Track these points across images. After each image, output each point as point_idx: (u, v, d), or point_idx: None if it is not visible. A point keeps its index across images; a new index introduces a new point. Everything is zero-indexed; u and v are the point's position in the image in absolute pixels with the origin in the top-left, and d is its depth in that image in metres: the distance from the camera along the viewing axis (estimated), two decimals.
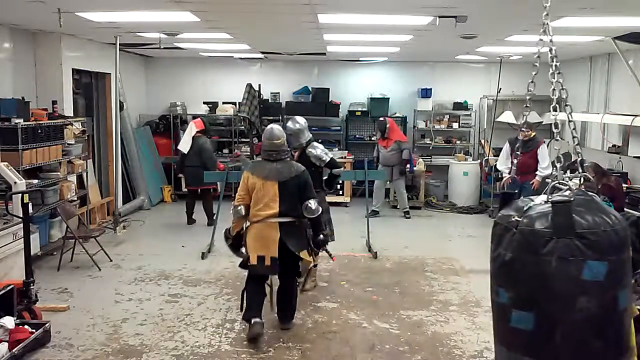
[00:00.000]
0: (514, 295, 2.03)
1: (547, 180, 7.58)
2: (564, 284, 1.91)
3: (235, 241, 4.99)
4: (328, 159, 5.99)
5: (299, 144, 5.90)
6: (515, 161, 7.20)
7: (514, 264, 2.01)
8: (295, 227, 4.82)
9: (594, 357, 1.94)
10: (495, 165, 9.64)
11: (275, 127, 4.94)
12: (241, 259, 4.97)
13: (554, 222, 1.93)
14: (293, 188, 4.79)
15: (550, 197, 2.00)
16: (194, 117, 11.41)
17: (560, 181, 2.06)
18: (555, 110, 2.36)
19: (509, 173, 7.71)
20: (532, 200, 2.06)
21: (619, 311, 1.94)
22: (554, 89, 2.37)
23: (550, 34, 2.42)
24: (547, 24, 2.43)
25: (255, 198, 4.76)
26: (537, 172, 7.79)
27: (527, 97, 2.73)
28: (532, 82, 2.57)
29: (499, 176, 9.60)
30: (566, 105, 2.45)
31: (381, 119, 9.73)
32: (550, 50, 2.41)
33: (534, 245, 1.95)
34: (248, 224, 4.87)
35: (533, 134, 7.92)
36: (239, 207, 4.82)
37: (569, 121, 2.40)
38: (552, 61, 2.43)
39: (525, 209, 2.03)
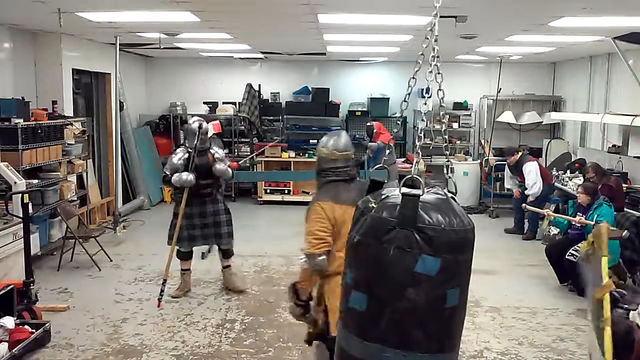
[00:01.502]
0: (354, 276, 2.14)
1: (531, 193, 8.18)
2: (397, 273, 1.99)
3: (306, 304, 3.48)
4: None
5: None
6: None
7: (359, 247, 2.12)
8: None
9: (414, 347, 2.02)
10: (495, 165, 9.77)
11: (344, 134, 3.59)
12: (308, 331, 3.55)
13: (400, 213, 2.01)
14: None
15: (403, 189, 2.08)
16: (196, 116, 11.47)
17: (415, 176, 2.14)
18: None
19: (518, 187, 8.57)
20: (393, 191, 2.15)
21: (446, 308, 2.03)
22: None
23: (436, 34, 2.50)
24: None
25: (345, 236, 3.22)
26: (528, 194, 8.22)
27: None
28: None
29: (499, 176, 9.80)
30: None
31: (369, 123, 9.72)
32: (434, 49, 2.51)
33: (377, 232, 2.04)
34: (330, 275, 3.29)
35: (517, 157, 8.37)
36: (323, 257, 3.22)
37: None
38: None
39: (383, 197, 2.12)
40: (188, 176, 5.53)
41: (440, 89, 2.51)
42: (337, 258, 3.16)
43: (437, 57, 2.46)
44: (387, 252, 2.00)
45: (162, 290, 5.54)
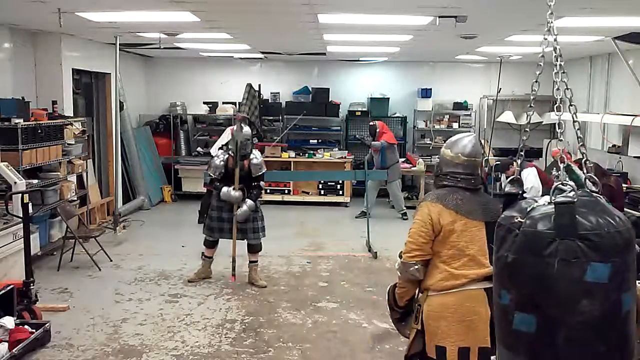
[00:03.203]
0: (515, 297, 2.00)
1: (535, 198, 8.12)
2: (566, 286, 1.87)
3: (404, 313, 3.19)
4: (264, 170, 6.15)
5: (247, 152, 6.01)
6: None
7: (516, 266, 1.98)
8: None
9: None
10: (495, 165, 9.75)
11: (474, 137, 3.19)
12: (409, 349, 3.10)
13: (557, 223, 1.90)
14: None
15: (553, 198, 1.97)
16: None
17: (563, 182, 2.04)
18: (559, 110, 2.33)
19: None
20: (536, 202, 2.04)
21: (623, 314, 1.91)
22: (558, 89, 2.35)
23: (555, 33, 2.38)
24: (552, 23, 2.40)
25: (452, 247, 2.94)
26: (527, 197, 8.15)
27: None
28: (536, 81, 2.50)
29: (499, 176, 9.80)
30: (570, 105, 2.42)
31: (371, 123, 9.72)
32: (555, 49, 2.38)
33: (536, 247, 1.92)
34: (429, 292, 2.99)
35: (515, 167, 8.35)
36: (417, 267, 2.97)
37: (574, 121, 2.38)
38: (557, 60, 2.39)
39: (528, 210, 2.00)
40: (235, 193, 5.89)
41: (567, 88, 2.36)
42: (440, 270, 2.93)
43: (560, 55, 2.34)
44: (552, 267, 1.88)
45: (233, 267, 6.18)
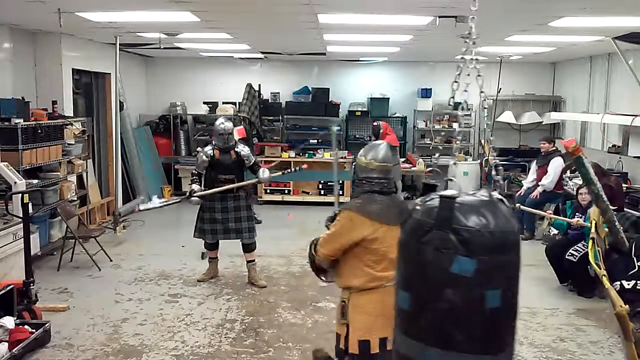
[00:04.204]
0: (399, 276, 2.22)
1: (546, 191, 8.10)
2: (434, 273, 2.04)
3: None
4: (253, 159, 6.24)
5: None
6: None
7: (402, 247, 2.20)
8: None
9: (454, 346, 2.05)
10: (495, 165, 9.73)
11: (386, 145, 3.46)
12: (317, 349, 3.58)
13: (437, 215, 2.06)
14: None
15: (444, 192, 2.14)
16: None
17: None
18: (456, 108, 2.42)
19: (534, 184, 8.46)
20: (450, 193, 2.21)
21: (487, 310, 2.03)
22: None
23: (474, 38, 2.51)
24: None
25: (375, 254, 3.17)
26: (540, 183, 8.21)
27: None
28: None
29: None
30: (482, 90, 2.59)
31: (375, 123, 9.72)
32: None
33: (417, 233, 2.10)
34: (352, 290, 3.29)
35: (552, 147, 8.27)
36: (324, 260, 3.33)
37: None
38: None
39: (427, 199, 2.18)
40: (266, 173, 6.16)
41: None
42: (365, 273, 3.14)
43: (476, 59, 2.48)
44: (426, 253, 2.05)
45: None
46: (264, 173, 6.14)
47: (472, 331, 2.05)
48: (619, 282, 3.88)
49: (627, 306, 2.98)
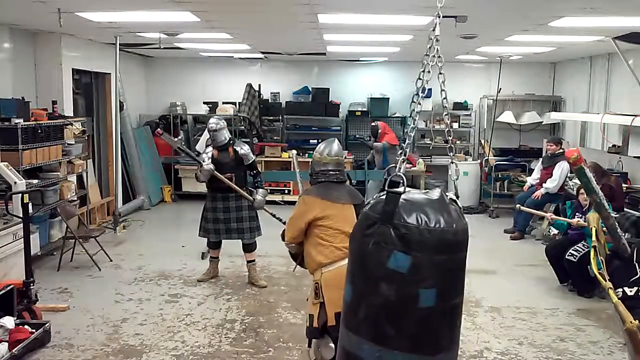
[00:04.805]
0: (348, 268, 2.27)
1: (549, 193, 8.11)
2: (373, 267, 2.07)
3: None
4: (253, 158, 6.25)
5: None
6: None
7: (351, 239, 2.26)
8: None
9: (386, 342, 2.05)
10: (495, 165, 9.78)
11: (336, 142, 3.98)
12: (310, 326, 3.73)
13: (382, 209, 2.08)
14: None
15: (393, 188, 2.15)
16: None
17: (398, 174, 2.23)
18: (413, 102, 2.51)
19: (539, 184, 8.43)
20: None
21: (420, 308, 2.03)
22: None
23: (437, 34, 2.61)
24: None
25: (331, 228, 3.61)
26: (544, 185, 8.21)
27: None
28: None
29: (499, 176, 9.82)
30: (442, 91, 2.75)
31: (373, 123, 9.71)
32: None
33: (363, 226, 2.14)
34: (323, 268, 3.63)
35: (559, 149, 8.26)
36: (293, 245, 3.84)
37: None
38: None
39: (380, 195, 2.20)
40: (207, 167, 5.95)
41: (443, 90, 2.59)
42: (326, 247, 3.58)
43: (439, 57, 2.51)
44: (367, 246, 2.08)
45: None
46: (260, 195, 6.11)
47: (404, 328, 2.04)
48: (621, 289, 3.88)
49: (637, 321, 2.94)
